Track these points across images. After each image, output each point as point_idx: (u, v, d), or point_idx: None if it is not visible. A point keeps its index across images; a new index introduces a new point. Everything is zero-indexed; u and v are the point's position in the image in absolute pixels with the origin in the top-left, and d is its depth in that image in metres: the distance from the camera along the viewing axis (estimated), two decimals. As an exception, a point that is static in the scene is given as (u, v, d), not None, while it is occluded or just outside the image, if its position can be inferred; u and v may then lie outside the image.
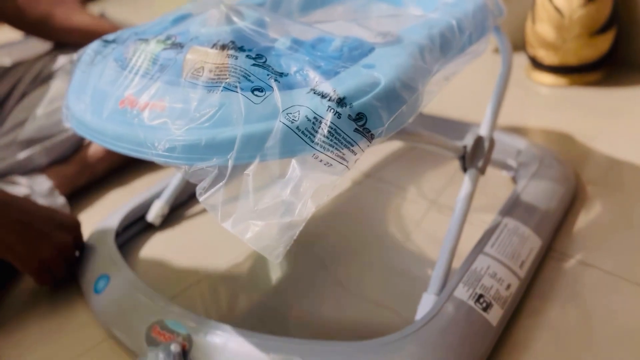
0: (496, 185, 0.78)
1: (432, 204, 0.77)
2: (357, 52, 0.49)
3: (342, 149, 0.40)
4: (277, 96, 0.42)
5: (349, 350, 0.49)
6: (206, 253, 0.74)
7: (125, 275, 0.63)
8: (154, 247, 0.76)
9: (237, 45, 0.46)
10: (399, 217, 0.76)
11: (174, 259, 0.73)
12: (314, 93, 0.42)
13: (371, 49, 0.49)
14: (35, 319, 0.65)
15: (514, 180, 0.79)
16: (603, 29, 1.04)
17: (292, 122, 0.41)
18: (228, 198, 0.40)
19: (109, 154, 0.89)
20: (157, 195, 0.79)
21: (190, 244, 0.77)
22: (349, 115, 0.41)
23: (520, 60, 1.17)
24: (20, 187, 0.78)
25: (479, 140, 0.63)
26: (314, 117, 0.41)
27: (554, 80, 1.09)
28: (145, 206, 0.78)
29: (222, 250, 0.73)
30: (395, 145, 0.92)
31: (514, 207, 0.65)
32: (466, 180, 0.62)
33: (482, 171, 0.63)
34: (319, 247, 0.71)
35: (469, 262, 0.57)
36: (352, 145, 0.41)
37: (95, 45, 0.58)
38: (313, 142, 0.40)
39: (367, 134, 0.42)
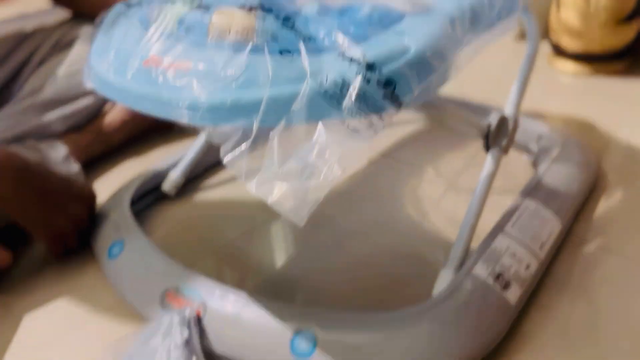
0: (515, 168, 0.77)
1: (450, 185, 0.76)
2: (387, 19, 0.48)
3: (370, 115, 0.40)
4: (304, 59, 0.41)
5: (365, 321, 0.49)
6: (221, 225, 0.73)
7: (140, 241, 0.62)
8: (169, 217, 0.76)
9: (265, 7, 0.45)
10: (416, 197, 0.75)
11: (188, 230, 0.73)
12: (343, 57, 0.41)
13: (401, 17, 0.48)
14: (47, 281, 0.65)
15: (534, 164, 0.78)
16: (629, 18, 1.02)
17: (319, 86, 0.40)
18: (252, 160, 0.39)
19: (125, 124, 0.88)
20: (173, 166, 0.79)
21: (204, 215, 0.76)
22: (378, 80, 0.40)
23: (543, 48, 1.14)
24: (35, 151, 0.78)
25: (503, 120, 0.62)
26: (342, 82, 0.40)
27: (577, 68, 1.07)
28: (161, 176, 0.78)
29: (237, 222, 0.73)
30: (413, 126, 0.91)
31: (535, 190, 0.64)
32: (488, 160, 0.61)
33: (505, 151, 0.62)
34: (335, 224, 0.71)
35: (488, 240, 0.56)
36: (381, 112, 0.40)
37: (118, 7, 0.58)
38: (341, 107, 0.39)
39: (396, 101, 0.41)
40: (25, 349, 0.56)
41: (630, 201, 0.70)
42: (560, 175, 0.68)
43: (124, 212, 0.68)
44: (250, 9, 0.45)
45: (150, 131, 0.89)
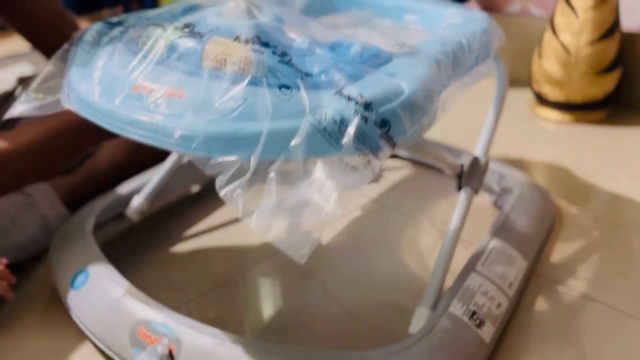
0: (478, 209, 0.80)
1: (421, 224, 0.78)
2: (376, 59, 0.49)
3: (368, 153, 0.40)
4: (303, 95, 0.41)
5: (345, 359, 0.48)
6: (190, 255, 0.71)
7: (106, 271, 0.60)
8: (134, 245, 0.73)
9: (262, 40, 0.45)
10: (405, 246, 0.75)
11: (155, 258, 0.70)
12: (341, 95, 0.42)
13: (389, 58, 0.49)
14: (19, 333, 0.61)
15: (495, 204, 0.81)
16: (609, 69, 1.05)
17: (318, 123, 0.40)
18: (249, 194, 0.39)
19: (114, 169, 0.85)
20: (136, 191, 0.76)
21: (171, 243, 0.74)
22: (375, 121, 0.41)
23: (526, 96, 1.17)
24: (25, 195, 0.73)
25: (475, 161, 0.64)
26: (341, 120, 0.40)
27: (559, 116, 1.09)
28: (124, 201, 0.75)
29: (208, 252, 0.71)
30: (397, 172, 0.92)
31: (501, 229, 0.66)
32: (461, 199, 0.62)
33: (476, 191, 0.64)
34: (324, 273, 0.70)
35: (461, 279, 0.57)
36: (377, 151, 0.41)
37: (97, 27, 0.56)
38: (339, 144, 0.40)
39: (390, 141, 0.42)
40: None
41: (608, 247, 0.72)
42: (523, 216, 0.71)
43: (87, 240, 0.65)
44: (247, 41, 0.45)
45: (139, 172, 0.86)
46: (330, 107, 0.41)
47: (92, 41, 0.53)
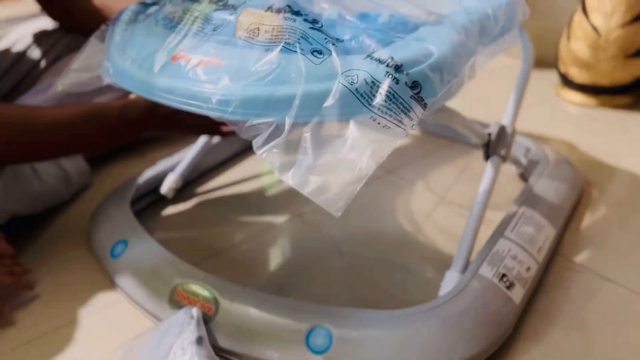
0: (504, 180, 0.81)
1: (441, 199, 0.79)
2: (404, 26, 0.50)
3: (400, 114, 0.41)
4: (335, 59, 0.43)
5: (378, 318, 0.50)
6: (220, 227, 0.74)
7: (144, 240, 0.62)
8: (168, 219, 0.76)
9: (293, 9, 0.47)
10: (410, 210, 0.77)
11: (187, 231, 0.73)
12: (372, 59, 0.43)
13: (417, 26, 0.51)
14: (48, 276, 0.64)
15: (522, 177, 0.81)
16: (638, 52, 1.02)
17: (351, 84, 0.41)
18: (285, 153, 0.40)
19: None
20: (171, 169, 0.79)
21: (203, 218, 0.76)
22: (406, 82, 0.42)
23: (551, 77, 1.16)
24: None
25: (502, 129, 0.64)
26: (372, 81, 0.41)
27: (583, 99, 1.08)
28: (159, 178, 0.78)
29: (237, 227, 0.74)
30: (405, 141, 0.93)
31: (529, 198, 0.67)
32: (489, 167, 0.63)
33: (504, 159, 0.65)
34: (333, 231, 0.72)
35: (491, 244, 0.58)
36: (409, 111, 0.42)
37: (134, 6, 0.58)
38: (371, 105, 0.41)
39: (421, 102, 0.43)
40: (29, 345, 0.55)
41: (613, 223, 0.72)
42: (550, 186, 0.71)
43: (125, 212, 0.68)
44: (278, 10, 0.47)
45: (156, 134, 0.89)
46: (361, 69, 0.42)
47: (128, 20, 0.56)
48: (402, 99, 0.42)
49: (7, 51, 0.85)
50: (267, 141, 0.41)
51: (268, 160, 0.40)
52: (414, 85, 0.43)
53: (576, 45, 1.06)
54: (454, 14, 0.54)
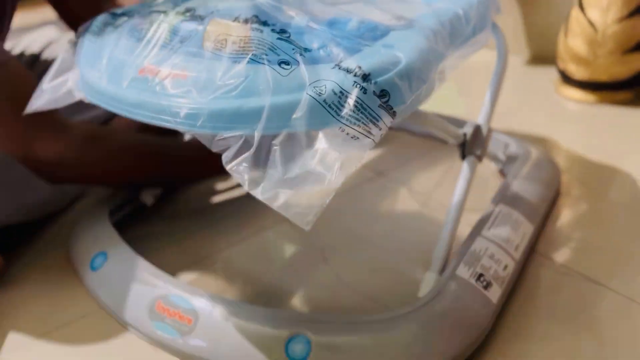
0: (484, 176, 0.81)
1: (425, 202, 0.79)
2: (374, 32, 0.50)
3: (368, 123, 0.41)
4: (303, 70, 0.43)
5: (357, 323, 0.50)
6: (201, 235, 0.74)
7: (123, 251, 0.62)
8: (148, 228, 0.75)
9: (261, 19, 0.46)
10: (393, 211, 0.77)
11: (168, 241, 0.73)
12: (339, 68, 0.43)
13: (387, 31, 0.51)
14: (28, 290, 0.64)
15: (501, 172, 0.82)
16: (637, 47, 1.02)
17: (319, 95, 0.41)
18: (254, 167, 0.40)
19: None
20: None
21: (184, 226, 0.76)
22: (374, 91, 0.42)
23: (551, 74, 1.16)
24: None
25: (477, 129, 0.65)
26: (340, 92, 0.41)
27: (583, 96, 1.07)
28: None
29: (219, 234, 0.74)
30: (388, 143, 0.94)
31: (506, 195, 0.68)
32: (465, 167, 0.64)
33: (479, 159, 0.65)
34: (317, 238, 0.72)
35: (468, 243, 0.59)
36: (377, 121, 0.42)
37: (102, 17, 0.58)
38: (340, 115, 0.41)
39: (390, 111, 0.43)
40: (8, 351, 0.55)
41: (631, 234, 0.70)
42: (528, 181, 0.72)
43: (104, 223, 0.67)
44: (246, 20, 0.46)
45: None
46: (329, 80, 0.42)
47: (97, 31, 0.55)
48: (370, 108, 0.42)
49: (21, 55, 0.86)
50: (236, 155, 0.41)
51: (237, 175, 0.40)
52: (382, 94, 0.43)
53: (574, 42, 1.05)
54: (423, 17, 0.54)
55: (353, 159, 0.40)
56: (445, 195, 0.79)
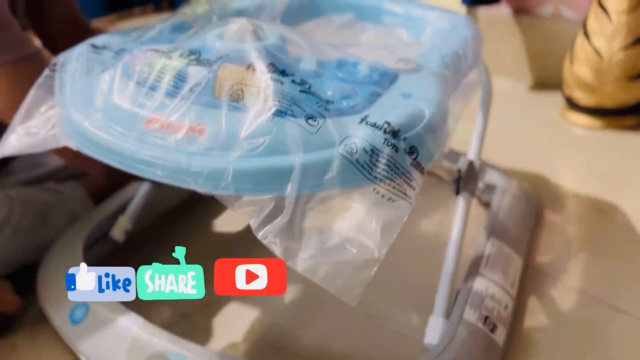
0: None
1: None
2: (385, 78, 0.48)
3: (402, 184, 0.40)
4: (330, 125, 0.40)
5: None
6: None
7: (107, 303, 0.57)
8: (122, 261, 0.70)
9: (279, 68, 0.44)
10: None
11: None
12: (366, 124, 0.41)
13: (396, 75, 0.49)
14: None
15: (480, 200, 0.83)
16: None
17: (350, 155, 0.39)
18: (288, 235, 0.38)
19: None
20: (120, 210, 0.73)
21: (160, 256, 0.71)
22: (404, 149, 0.41)
23: (556, 100, 1.16)
24: (57, 194, 0.75)
25: (471, 165, 0.65)
26: (372, 150, 0.40)
27: (589, 122, 1.08)
28: (109, 221, 0.72)
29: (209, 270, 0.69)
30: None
31: (494, 229, 0.68)
32: (461, 204, 0.63)
33: (472, 193, 0.65)
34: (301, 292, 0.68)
35: (469, 284, 0.59)
36: (410, 180, 0.40)
37: (81, 50, 0.53)
38: (372, 175, 0.39)
39: (419, 167, 0.42)
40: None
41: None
42: (511, 213, 0.73)
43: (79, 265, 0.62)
44: (262, 70, 0.43)
45: None
46: (358, 136, 0.40)
47: (82, 68, 0.50)
48: (403, 167, 0.40)
49: None
50: (265, 221, 0.38)
51: (270, 244, 0.37)
52: (412, 150, 0.41)
53: (580, 69, 1.07)
54: (426, 58, 0.53)
55: (393, 224, 0.38)
56: (431, 226, 0.79)
